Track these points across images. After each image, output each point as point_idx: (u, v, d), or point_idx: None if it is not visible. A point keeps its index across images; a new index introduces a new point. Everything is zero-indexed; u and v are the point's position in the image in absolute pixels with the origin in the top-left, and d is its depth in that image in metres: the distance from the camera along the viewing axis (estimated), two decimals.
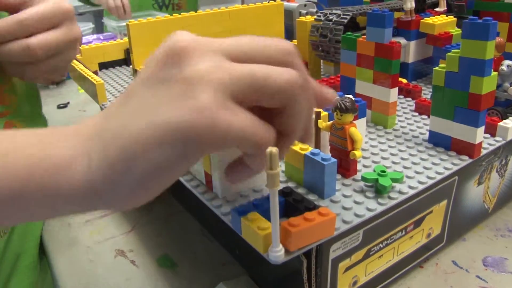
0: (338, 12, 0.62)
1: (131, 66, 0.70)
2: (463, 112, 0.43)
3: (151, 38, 0.61)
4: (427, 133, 0.47)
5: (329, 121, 0.42)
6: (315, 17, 0.65)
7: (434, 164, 0.42)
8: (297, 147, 0.38)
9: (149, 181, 0.25)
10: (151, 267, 0.47)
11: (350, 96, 0.41)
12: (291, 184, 0.40)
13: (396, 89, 0.50)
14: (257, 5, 0.71)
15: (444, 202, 0.44)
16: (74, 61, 0.74)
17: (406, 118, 0.53)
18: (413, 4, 0.62)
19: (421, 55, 0.66)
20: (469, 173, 0.46)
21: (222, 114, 0.23)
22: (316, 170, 0.37)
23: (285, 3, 0.88)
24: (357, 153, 0.39)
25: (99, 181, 0.25)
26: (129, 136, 0.24)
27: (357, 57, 0.52)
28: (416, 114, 0.55)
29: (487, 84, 0.41)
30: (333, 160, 0.36)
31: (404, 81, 0.63)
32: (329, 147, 0.42)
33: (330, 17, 0.62)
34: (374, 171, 0.38)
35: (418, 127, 0.51)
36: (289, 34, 0.86)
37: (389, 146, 0.46)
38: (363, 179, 0.38)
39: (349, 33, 0.53)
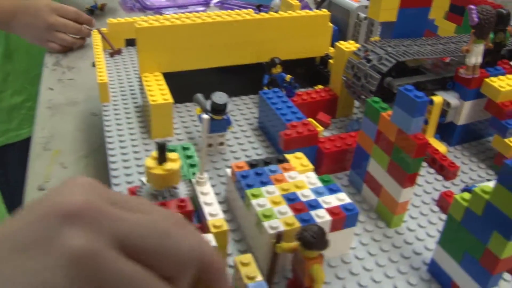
0: (382, 52, 0.50)
1: None
2: (473, 264, 0.34)
3: (160, 43, 0.54)
4: (433, 250, 0.38)
5: None
6: (356, 48, 0.54)
7: None
8: (244, 271, 0.32)
9: None
10: None
11: (321, 225, 0.33)
12: None
13: (411, 188, 0.40)
14: (295, 14, 0.60)
15: None
16: (97, 35, 0.67)
17: (418, 217, 0.44)
18: (480, 60, 0.49)
19: (474, 117, 0.54)
20: None
21: None
22: None
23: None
24: None
25: None
26: None
27: (376, 133, 0.43)
28: (436, 209, 0.45)
29: (510, 249, 0.31)
30: None
31: (443, 149, 0.52)
32: (291, 267, 0.35)
33: (370, 57, 0.51)
34: None
35: (428, 234, 0.42)
36: (341, 35, 0.74)
37: (377, 264, 0.38)
38: None
39: (375, 99, 0.43)
